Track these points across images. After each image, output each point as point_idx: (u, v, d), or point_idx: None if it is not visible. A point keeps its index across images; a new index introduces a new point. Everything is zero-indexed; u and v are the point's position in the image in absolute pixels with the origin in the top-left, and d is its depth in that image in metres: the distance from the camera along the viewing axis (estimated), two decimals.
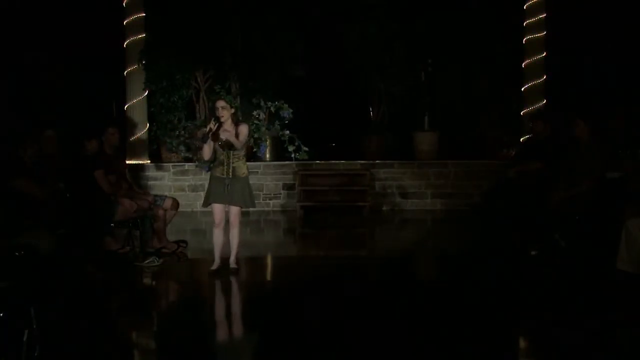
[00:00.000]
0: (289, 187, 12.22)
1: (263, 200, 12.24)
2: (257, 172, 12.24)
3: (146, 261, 7.75)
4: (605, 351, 5.07)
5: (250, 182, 12.11)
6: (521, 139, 12.10)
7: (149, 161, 12.49)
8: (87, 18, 12.42)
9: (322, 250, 9.16)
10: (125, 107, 12.54)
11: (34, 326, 5.15)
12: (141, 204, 8.02)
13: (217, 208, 7.14)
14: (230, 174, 7.00)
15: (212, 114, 7.02)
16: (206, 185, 7.50)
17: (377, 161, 12.50)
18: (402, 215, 11.81)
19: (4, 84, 12.02)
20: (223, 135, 6.89)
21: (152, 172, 12.28)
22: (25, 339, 5.04)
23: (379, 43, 12.49)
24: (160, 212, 8.13)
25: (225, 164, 7.00)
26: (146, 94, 12.48)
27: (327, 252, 8.93)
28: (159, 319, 6.30)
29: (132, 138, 12.45)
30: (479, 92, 12.87)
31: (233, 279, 7.16)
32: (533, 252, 8.08)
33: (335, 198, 11.92)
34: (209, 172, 7.32)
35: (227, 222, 7.22)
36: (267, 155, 12.77)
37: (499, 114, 12.95)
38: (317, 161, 12.45)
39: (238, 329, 5.85)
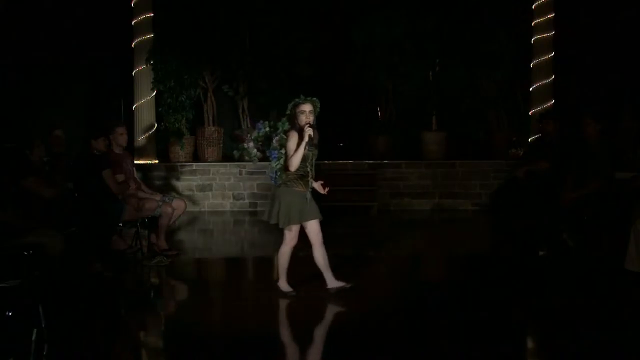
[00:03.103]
0: None
1: None
2: (265, 172, 12.21)
3: (154, 261, 7.77)
4: (614, 351, 5.05)
5: (259, 182, 12.40)
6: (529, 139, 12.07)
7: (156, 161, 12.51)
8: (95, 18, 12.45)
9: (330, 249, 9.12)
10: (134, 106, 12.57)
11: (43, 325, 5.18)
12: (149, 204, 8.03)
13: (298, 227, 6.37)
14: (311, 186, 6.32)
15: (294, 119, 6.19)
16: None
17: (385, 161, 12.49)
18: (409, 215, 11.79)
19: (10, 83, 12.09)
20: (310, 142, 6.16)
21: (160, 172, 12.30)
22: (33, 337, 5.06)
23: (387, 42, 12.48)
24: (169, 209, 8.11)
25: (309, 176, 6.23)
26: (154, 93, 12.51)
27: (335, 252, 8.90)
28: (168, 318, 6.31)
29: (140, 138, 12.48)
30: (487, 92, 12.85)
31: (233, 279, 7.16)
32: (541, 252, 8.06)
33: (342, 198, 11.90)
34: (280, 188, 6.30)
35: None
36: None
37: (507, 113, 12.93)
38: (325, 161, 12.43)
39: (247, 329, 5.84)
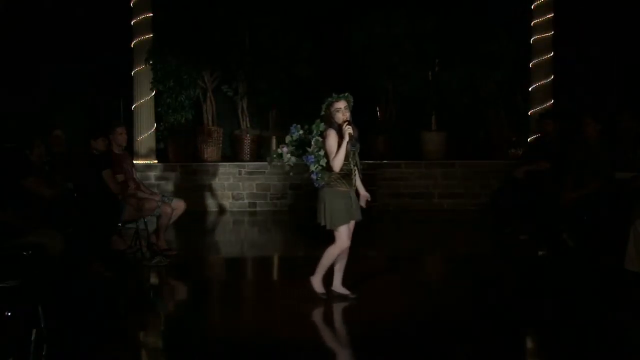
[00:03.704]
0: (296, 188, 12.21)
1: (270, 200, 12.25)
2: (264, 172, 12.24)
3: (154, 261, 7.77)
4: (614, 351, 5.05)
5: (258, 182, 12.41)
6: (529, 139, 12.07)
7: (156, 161, 12.51)
8: (94, 18, 12.44)
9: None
10: (133, 107, 12.56)
11: (42, 325, 5.17)
12: (149, 204, 8.03)
13: (347, 227, 6.19)
14: (354, 184, 6.22)
15: (330, 119, 6.06)
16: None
17: (385, 161, 12.48)
18: (409, 216, 11.78)
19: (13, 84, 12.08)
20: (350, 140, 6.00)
21: (159, 172, 12.29)
22: (33, 338, 5.05)
23: (387, 42, 12.46)
24: (168, 209, 8.11)
25: (353, 174, 6.14)
26: (153, 93, 12.50)
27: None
28: (167, 319, 6.31)
29: (140, 138, 12.47)
30: (486, 92, 12.84)
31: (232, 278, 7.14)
32: (541, 253, 8.07)
33: None
34: (323, 188, 6.17)
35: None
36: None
37: (507, 113, 12.93)
38: None
39: (246, 329, 5.83)
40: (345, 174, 6.06)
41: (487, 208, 11.42)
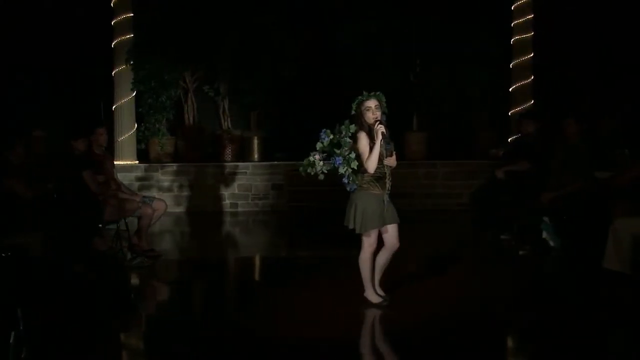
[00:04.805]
0: (278, 188, 12.20)
1: (252, 200, 12.23)
2: (246, 172, 12.23)
3: (135, 262, 7.74)
4: (594, 350, 5.09)
5: (240, 182, 12.39)
6: (509, 139, 12.13)
7: (137, 162, 12.45)
8: (74, 18, 12.36)
9: (310, 250, 9.13)
10: (114, 107, 12.49)
11: (21, 327, 5.13)
12: (130, 205, 8.00)
13: (376, 232, 6.02)
14: (389, 188, 6.00)
15: (360, 118, 5.89)
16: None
17: None
18: None
19: None
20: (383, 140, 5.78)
21: (140, 173, 12.24)
22: (11, 340, 5.01)
23: (371, 42, 12.44)
24: (149, 210, 8.08)
25: (386, 177, 5.92)
26: (134, 94, 12.43)
27: (315, 252, 8.91)
28: (149, 320, 6.28)
29: (121, 138, 12.40)
30: (467, 92, 12.87)
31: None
32: (521, 252, 8.12)
33: (324, 198, 11.86)
34: (356, 191, 5.97)
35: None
36: (256, 156, 12.73)
37: (488, 114, 12.98)
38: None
39: (230, 329, 5.83)
40: (379, 177, 5.87)
41: (468, 208, 11.49)
